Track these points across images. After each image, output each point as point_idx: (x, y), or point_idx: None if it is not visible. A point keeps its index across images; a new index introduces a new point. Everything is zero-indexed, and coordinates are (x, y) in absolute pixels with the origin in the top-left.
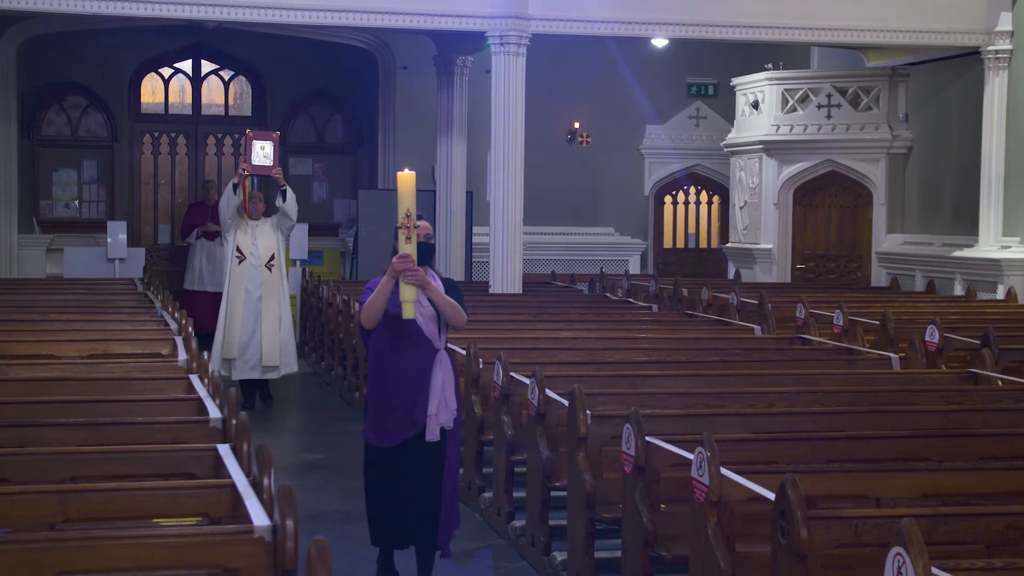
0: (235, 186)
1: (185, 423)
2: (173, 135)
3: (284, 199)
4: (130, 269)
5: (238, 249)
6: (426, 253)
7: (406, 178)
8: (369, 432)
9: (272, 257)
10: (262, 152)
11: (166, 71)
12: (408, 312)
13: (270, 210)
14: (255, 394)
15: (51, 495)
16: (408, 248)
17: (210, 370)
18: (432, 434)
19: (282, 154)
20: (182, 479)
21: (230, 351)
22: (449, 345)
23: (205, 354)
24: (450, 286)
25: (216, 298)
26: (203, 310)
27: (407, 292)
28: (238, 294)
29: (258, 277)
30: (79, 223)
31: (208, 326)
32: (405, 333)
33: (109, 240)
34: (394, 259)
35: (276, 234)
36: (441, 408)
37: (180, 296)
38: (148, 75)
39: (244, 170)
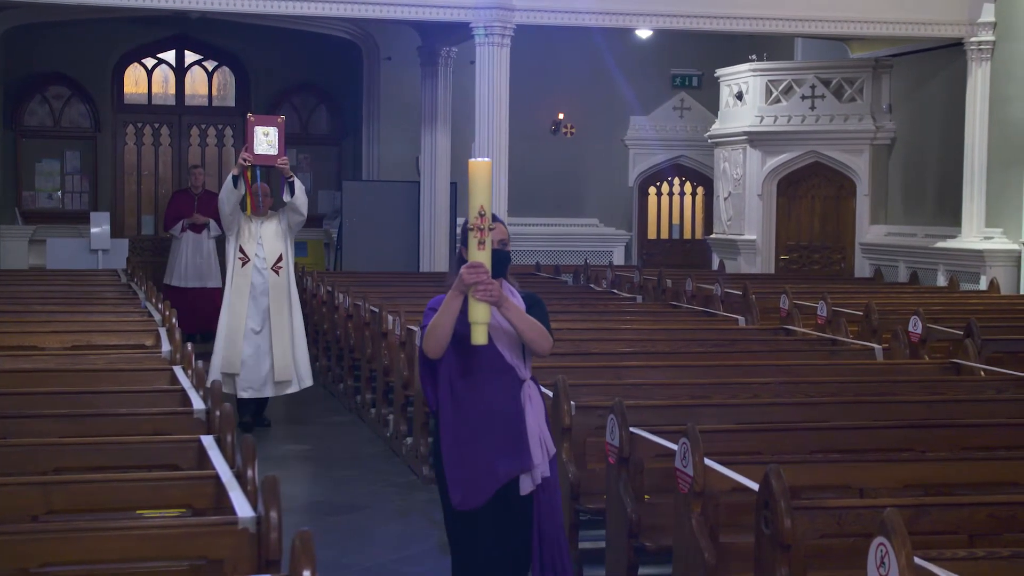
0: (235, 179)
1: (169, 414)
2: (156, 126)
3: (292, 192)
4: (113, 260)
5: (240, 250)
6: (502, 262)
7: (480, 167)
8: (453, 493)
9: (280, 259)
10: (265, 139)
11: (149, 61)
12: (479, 337)
13: (275, 204)
14: (251, 411)
15: (34, 487)
16: (481, 255)
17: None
18: (529, 485)
19: None
20: (166, 470)
21: (231, 366)
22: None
23: (189, 345)
24: (532, 302)
25: (204, 294)
26: (189, 308)
27: (479, 312)
28: (241, 301)
29: (264, 282)
30: (62, 214)
31: (195, 326)
32: (481, 362)
33: (92, 231)
34: (462, 269)
35: (283, 232)
36: (544, 455)
37: (162, 293)
38: (131, 65)
39: (245, 160)
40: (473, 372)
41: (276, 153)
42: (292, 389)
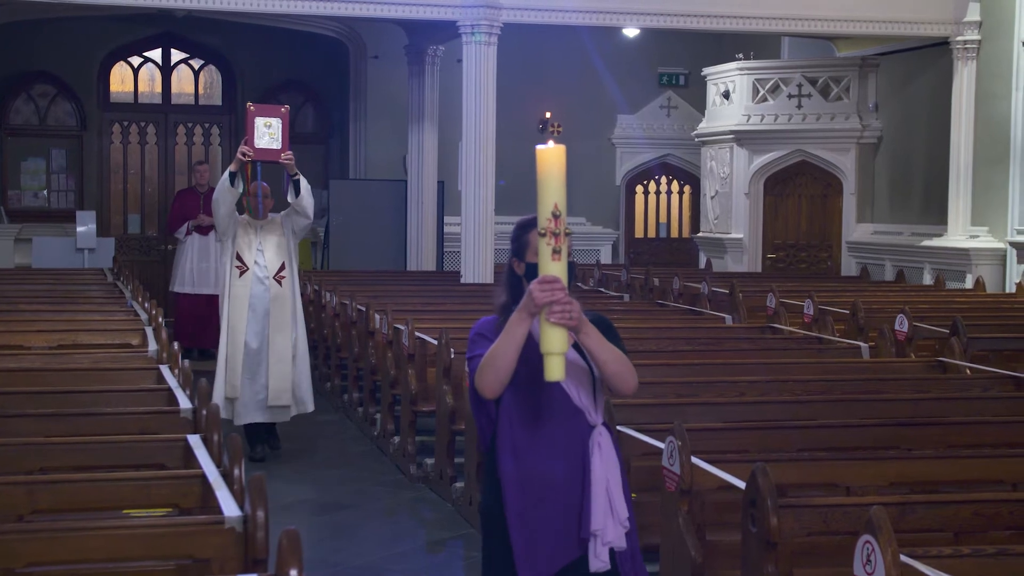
0: (232, 176)
1: (155, 413)
2: (143, 124)
3: (297, 192)
4: (99, 259)
5: (238, 257)
6: (571, 273)
7: (552, 155)
8: (523, 567)
9: (282, 267)
10: (267, 132)
11: (136, 60)
12: (554, 371)
13: (278, 206)
14: (263, 441)
15: (20, 486)
16: (556, 267)
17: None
18: (599, 561)
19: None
20: (152, 470)
21: (233, 388)
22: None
23: (176, 344)
24: (603, 325)
25: (211, 302)
26: (196, 318)
27: (554, 339)
28: (239, 315)
29: (265, 293)
30: (48, 213)
31: (202, 339)
32: (545, 404)
33: (78, 230)
34: (533, 286)
35: (287, 237)
36: (607, 519)
37: (165, 300)
38: (117, 64)
39: (246, 155)
40: (536, 417)
41: (279, 147)
42: (291, 414)
